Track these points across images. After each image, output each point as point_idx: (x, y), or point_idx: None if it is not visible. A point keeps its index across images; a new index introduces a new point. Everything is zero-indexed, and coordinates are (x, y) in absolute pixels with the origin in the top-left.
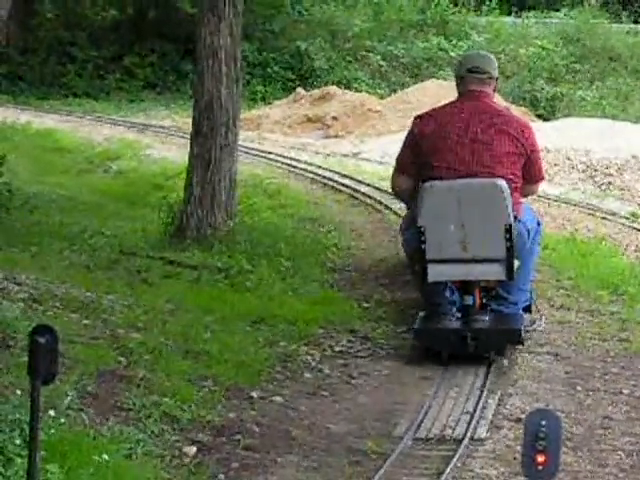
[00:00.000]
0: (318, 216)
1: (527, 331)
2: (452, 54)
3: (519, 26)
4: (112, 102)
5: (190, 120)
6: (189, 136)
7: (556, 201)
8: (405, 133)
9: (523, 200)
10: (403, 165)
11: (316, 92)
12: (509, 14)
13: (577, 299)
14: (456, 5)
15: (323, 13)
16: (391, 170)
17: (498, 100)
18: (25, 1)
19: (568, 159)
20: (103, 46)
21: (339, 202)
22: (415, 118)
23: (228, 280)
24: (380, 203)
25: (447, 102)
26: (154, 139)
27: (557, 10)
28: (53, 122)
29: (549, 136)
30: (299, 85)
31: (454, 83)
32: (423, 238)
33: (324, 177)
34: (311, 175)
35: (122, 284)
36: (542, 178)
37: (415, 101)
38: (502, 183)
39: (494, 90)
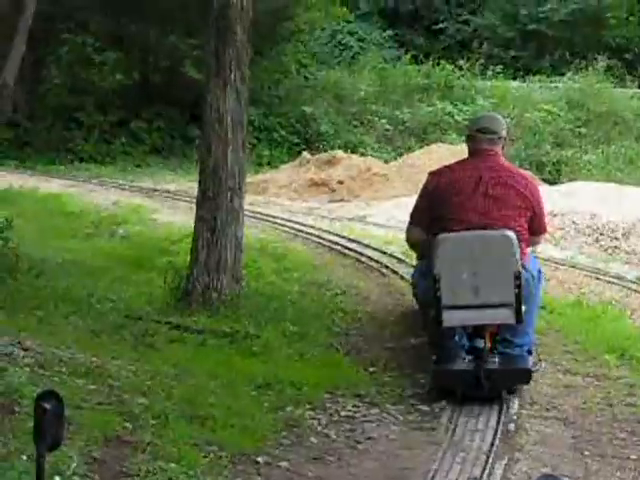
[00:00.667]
0: (324, 280)
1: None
2: (457, 118)
3: (524, 90)
4: (118, 167)
5: (196, 184)
6: (195, 200)
7: (562, 265)
8: (412, 196)
9: (528, 250)
10: (417, 218)
11: (322, 156)
12: (514, 78)
13: (584, 363)
14: (461, 69)
15: (329, 78)
16: (396, 233)
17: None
18: (32, 67)
19: (574, 223)
20: (109, 111)
21: (345, 266)
22: (429, 174)
23: (234, 345)
24: (386, 267)
25: (459, 160)
26: (160, 203)
27: (562, 74)
28: (60, 187)
29: (555, 200)
30: (305, 149)
31: (459, 147)
32: (438, 286)
33: (330, 241)
34: (317, 239)
35: (128, 349)
36: (545, 230)
37: (421, 165)
38: (511, 234)
39: (502, 148)
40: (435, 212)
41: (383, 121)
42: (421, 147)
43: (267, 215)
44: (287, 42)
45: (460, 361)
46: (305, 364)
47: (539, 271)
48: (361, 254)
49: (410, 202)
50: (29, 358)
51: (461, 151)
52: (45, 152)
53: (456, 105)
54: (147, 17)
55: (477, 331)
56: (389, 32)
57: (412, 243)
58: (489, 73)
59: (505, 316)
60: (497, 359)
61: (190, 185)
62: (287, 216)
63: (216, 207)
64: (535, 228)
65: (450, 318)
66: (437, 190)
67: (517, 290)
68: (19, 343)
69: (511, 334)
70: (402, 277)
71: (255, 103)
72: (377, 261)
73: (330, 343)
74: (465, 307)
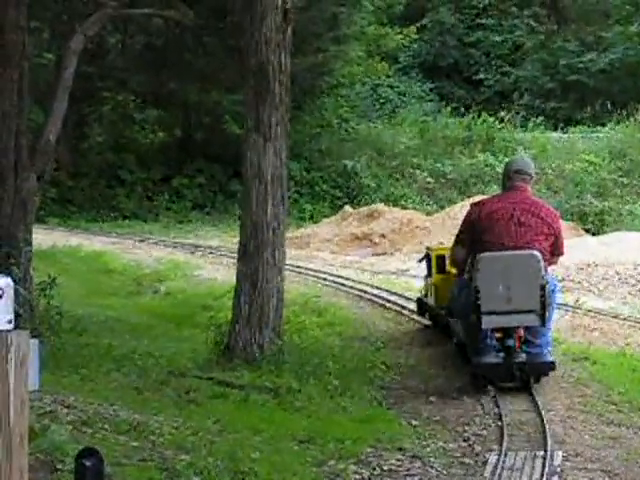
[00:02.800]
0: (366, 334)
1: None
2: (499, 170)
3: (565, 141)
4: (161, 223)
5: (238, 240)
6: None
7: (606, 315)
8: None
9: (549, 268)
10: (461, 240)
11: (364, 210)
12: (555, 129)
13: (628, 414)
14: (502, 121)
15: (369, 131)
16: None
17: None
18: (75, 125)
19: (617, 273)
20: (152, 168)
21: (387, 319)
22: (471, 205)
23: (276, 400)
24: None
25: (496, 194)
26: (202, 259)
27: (603, 125)
28: (102, 244)
29: (598, 250)
30: (347, 203)
31: None
32: (479, 295)
33: (372, 294)
34: (359, 293)
35: (170, 405)
36: (563, 253)
37: (462, 217)
38: (538, 254)
39: (531, 185)
40: (476, 236)
41: (424, 174)
42: (463, 199)
43: (309, 269)
44: (327, 96)
45: (495, 356)
46: (347, 418)
47: (555, 285)
48: (403, 307)
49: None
50: (72, 416)
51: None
52: (88, 210)
53: (497, 157)
54: (187, 74)
55: (507, 333)
56: (429, 85)
57: (455, 260)
58: (530, 124)
59: (532, 320)
60: (524, 355)
61: (232, 241)
62: (329, 270)
63: (257, 262)
64: (555, 250)
65: (489, 321)
66: (479, 218)
67: (542, 299)
68: (62, 401)
69: (533, 335)
70: (442, 330)
71: (296, 157)
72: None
73: (372, 397)
74: (500, 313)
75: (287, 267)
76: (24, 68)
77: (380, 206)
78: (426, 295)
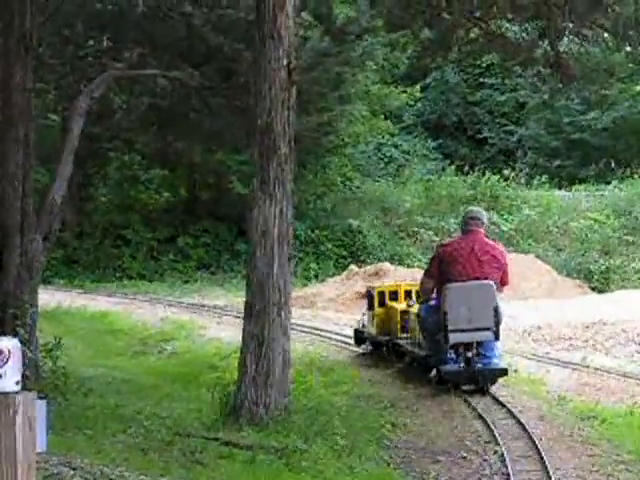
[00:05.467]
0: (373, 393)
1: None
2: (504, 228)
3: (570, 199)
4: (166, 283)
5: (244, 299)
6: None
7: (613, 373)
8: None
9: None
10: (430, 273)
11: (369, 268)
12: (559, 187)
13: (638, 474)
14: (506, 180)
15: (374, 190)
16: None
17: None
18: (80, 186)
19: (624, 331)
20: (157, 228)
21: (394, 378)
22: (438, 246)
23: (283, 460)
24: None
25: (459, 236)
26: (208, 319)
27: (608, 183)
28: (108, 304)
29: (604, 309)
30: (352, 262)
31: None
32: (446, 317)
33: (378, 354)
34: (364, 351)
35: (177, 466)
36: (508, 283)
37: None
38: (492, 284)
39: (484, 230)
40: (443, 269)
41: (430, 232)
42: None
43: (315, 328)
44: (332, 155)
45: (457, 365)
46: (355, 478)
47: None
48: (410, 365)
49: None
50: (78, 477)
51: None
52: (93, 270)
53: (502, 215)
54: (192, 135)
55: (467, 346)
56: (433, 143)
57: (424, 289)
58: (534, 182)
59: (488, 335)
60: (480, 364)
61: (238, 300)
62: (335, 329)
63: (263, 321)
64: (503, 280)
65: (454, 337)
66: (445, 255)
67: (495, 319)
68: (68, 462)
69: (484, 349)
70: (449, 390)
71: (301, 217)
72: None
73: (380, 456)
74: (463, 330)
75: (293, 326)
76: (30, 129)
77: (385, 265)
78: (364, 326)
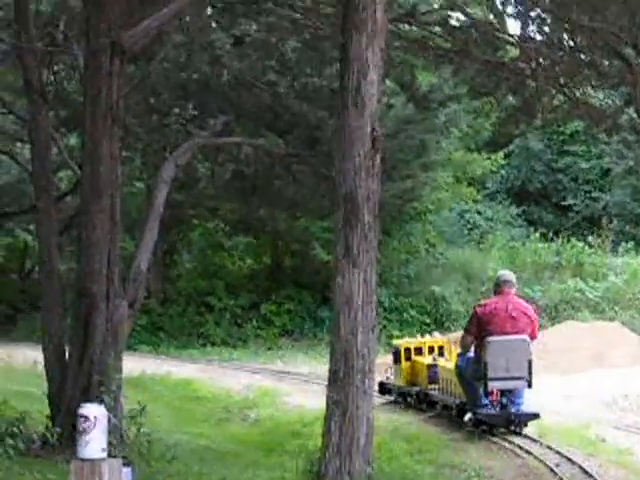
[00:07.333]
0: (458, 462)
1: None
2: (589, 295)
3: None
4: (250, 350)
5: (327, 366)
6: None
7: None
8: (547, 375)
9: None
10: (470, 330)
11: (453, 335)
12: None
13: None
14: (591, 246)
15: (458, 257)
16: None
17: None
18: (164, 253)
19: None
20: (240, 295)
21: (479, 446)
22: (476, 306)
23: None
24: (520, 447)
25: (495, 297)
26: (292, 386)
27: None
28: (192, 371)
29: None
30: (435, 329)
31: (590, 324)
32: (487, 366)
33: (463, 421)
34: (450, 419)
35: None
36: (536, 337)
37: (551, 343)
38: (526, 338)
39: (514, 290)
40: (482, 327)
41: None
42: (552, 325)
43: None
44: (415, 222)
45: (495, 409)
46: None
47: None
48: (494, 435)
49: (549, 384)
50: None
51: (590, 328)
52: (177, 337)
53: (587, 282)
54: (276, 202)
55: (502, 393)
56: (517, 210)
57: (464, 345)
58: (620, 249)
59: (522, 384)
60: (514, 409)
61: (321, 367)
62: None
63: (347, 389)
64: (534, 334)
65: (493, 385)
66: (483, 314)
67: (529, 369)
68: None
69: (515, 396)
70: (537, 457)
71: (385, 283)
72: (510, 441)
73: None
74: (501, 379)
75: (376, 394)
76: (116, 198)
77: None
78: (388, 378)
